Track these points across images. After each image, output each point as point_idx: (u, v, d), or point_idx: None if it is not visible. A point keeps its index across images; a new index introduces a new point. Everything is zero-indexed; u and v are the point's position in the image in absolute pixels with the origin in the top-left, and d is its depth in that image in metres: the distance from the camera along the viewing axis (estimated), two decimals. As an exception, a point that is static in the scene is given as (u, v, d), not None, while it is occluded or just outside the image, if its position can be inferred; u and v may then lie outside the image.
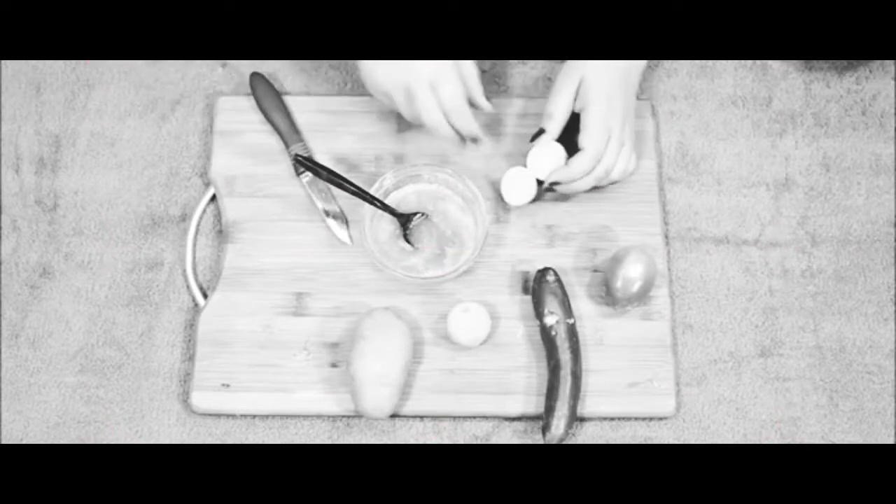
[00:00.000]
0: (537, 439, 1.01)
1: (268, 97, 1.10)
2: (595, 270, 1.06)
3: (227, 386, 1.01)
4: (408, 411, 1.01)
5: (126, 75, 1.14)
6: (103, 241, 1.08)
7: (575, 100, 1.00)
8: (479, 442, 1.01)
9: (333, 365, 1.02)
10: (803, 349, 1.05)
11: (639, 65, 1.01)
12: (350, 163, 1.09)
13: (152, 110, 1.13)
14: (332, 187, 1.07)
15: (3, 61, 1.14)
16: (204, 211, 1.09)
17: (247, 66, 1.14)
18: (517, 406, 1.01)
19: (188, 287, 1.06)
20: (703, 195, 1.10)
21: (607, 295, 1.03)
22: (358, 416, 1.01)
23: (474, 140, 1.00)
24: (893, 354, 1.04)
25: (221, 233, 1.08)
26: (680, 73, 1.15)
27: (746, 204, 1.10)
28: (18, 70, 1.14)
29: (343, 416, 1.02)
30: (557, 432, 0.97)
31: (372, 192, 1.04)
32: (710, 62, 1.15)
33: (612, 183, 1.05)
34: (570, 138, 1.01)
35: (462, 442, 1.01)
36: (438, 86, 0.97)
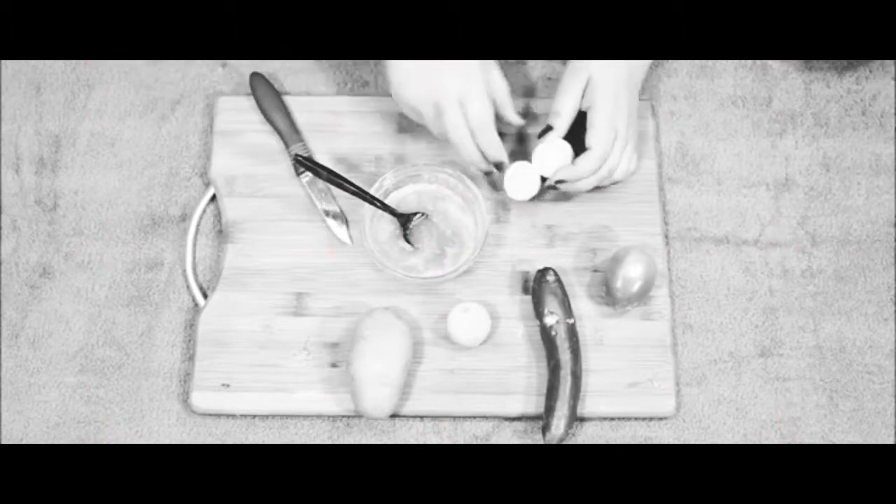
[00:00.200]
0: (537, 439, 1.01)
1: (268, 97, 1.10)
2: (595, 270, 1.06)
3: (227, 386, 1.01)
4: (408, 411, 1.01)
5: (126, 75, 1.14)
6: (103, 241, 1.08)
7: (581, 98, 1.00)
8: (479, 442, 1.01)
9: (333, 365, 1.02)
10: (803, 349, 1.05)
11: (644, 65, 1.02)
12: (350, 163, 1.09)
13: (152, 110, 1.13)
14: (332, 187, 1.07)
15: (3, 61, 1.14)
16: (204, 211, 1.09)
17: (247, 66, 1.14)
18: (517, 406, 1.01)
19: (188, 287, 1.06)
20: (703, 195, 1.10)
21: (607, 295, 1.03)
22: (358, 416, 1.01)
23: (498, 166, 1.01)
24: (893, 354, 1.04)
25: (221, 233, 1.08)
26: (680, 73, 1.15)
27: (746, 204, 1.10)
28: (18, 70, 1.14)
29: (343, 416, 1.02)
30: (557, 432, 0.97)
31: (372, 192, 1.04)
32: (710, 62, 1.15)
33: (614, 183, 1.05)
34: (573, 137, 1.01)
35: (462, 442, 1.01)
36: (466, 102, 0.97)
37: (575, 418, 0.99)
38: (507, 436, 1.01)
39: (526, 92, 1.13)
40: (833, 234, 1.09)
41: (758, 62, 1.15)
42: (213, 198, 1.09)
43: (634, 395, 1.01)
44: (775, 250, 1.08)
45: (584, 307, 1.04)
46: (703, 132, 1.13)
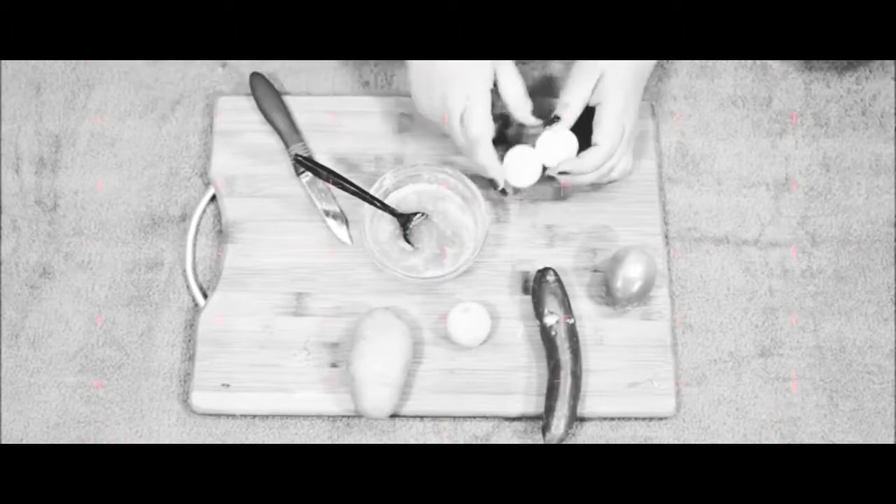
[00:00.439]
0: (537, 439, 1.01)
1: (268, 97, 1.10)
2: (595, 270, 1.06)
3: (227, 386, 1.01)
4: (408, 411, 1.01)
5: (126, 75, 1.14)
6: (103, 241, 1.08)
7: (591, 93, 0.99)
8: (479, 442, 1.01)
9: (333, 365, 1.02)
10: (803, 349, 1.05)
11: (650, 65, 1.01)
12: (350, 163, 1.09)
13: (152, 110, 1.13)
14: (332, 187, 1.07)
15: (3, 61, 1.14)
16: (204, 211, 1.09)
17: (247, 66, 1.14)
18: (517, 406, 1.01)
19: (188, 287, 1.06)
20: (703, 195, 1.10)
21: (607, 295, 1.03)
22: (358, 416, 1.01)
23: (492, 182, 1.01)
24: (893, 354, 1.04)
25: (221, 233, 1.08)
26: (680, 73, 1.15)
27: (746, 204, 1.10)
28: (18, 70, 1.14)
29: (343, 416, 1.02)
30: (557, 432, 0.97)
31: (372, 192, 1.04)
32: (710, 62, 1.15)
33: (611, 181, 1.05)
34: (574, 131, 1.00)
35: (462, 442, 1.01)
36: (466, 118, 0.97)
37: (575, 418, 0.99)
38: (507, 436, 1.01)
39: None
40: (833, 234, 1.09)
41: (758, 62, 1.15)
42: (213, 198, 1.09)
43: (634, 395, 1.01)
44: (775, 250, 1.08)
45: (584, 307, 1.04)
46: (703, 132, 1.13)
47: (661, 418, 1.02)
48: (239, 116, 1.11)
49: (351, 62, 1.15)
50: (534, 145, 1.01)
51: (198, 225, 1.08)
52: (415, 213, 1.05)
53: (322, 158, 1.09)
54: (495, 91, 0.99)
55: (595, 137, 0.98)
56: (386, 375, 0.97)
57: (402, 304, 1.04)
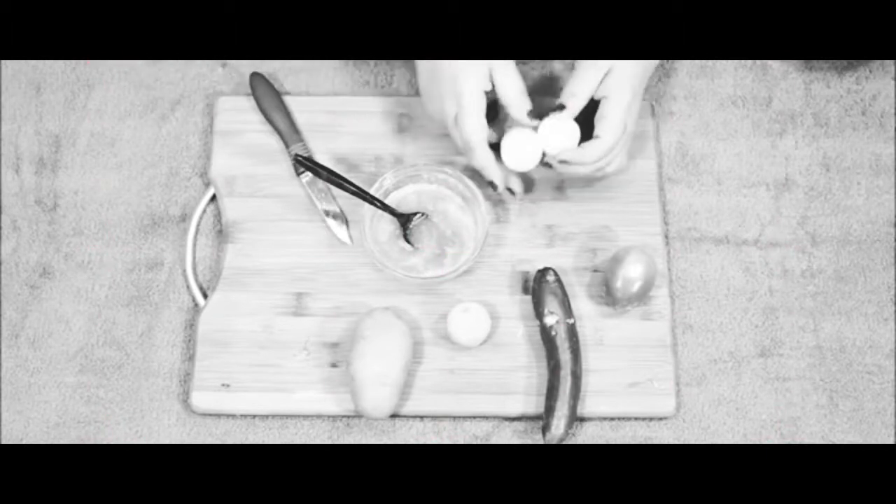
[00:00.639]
0: (537, 439, 1.01)
1: (268, 97, 1.10)
2: (595, 270, 1.06)
3: (227, 386, 1.01)
4: (408, 411, 1.01)
5: (126, 75, 1.14)
6: (103, 241, 1.08)
7: (597, 86, 0.99)
8: (479, 442, 1.01)
9: (333, 365, 1.02)
10: (803, 349, 1.05)
11: (654, 65, 1.01)
12: (350, 163, 1.09)
13: (152, 110, 1.13)
14: (332, 187, 1.07)
15: (3, 61, 1.14)
16: (204, 211, 1.09)
17: (247, 66, 1.14)
18: (517, 406, 1.01)
19: (188, 287, 1.06)
20: (703, 195, 1.10)
21: (607, 295, 1.03)
22: (358, 416, 1.01)
23: (491, 185, 1.01)
24: (893, 354, 1.04)
25: (221, 233, 1.08)
26: (680, 73, 1.15)
27: (746, 204, 1.10)
28: (18, 70, 1.14)
29: (343, 416, 1.02)
30: (557, 432, 0.97)
31: (372, 192, 1.04)
32: (710, 62, 1.15)
33: (603, 177, 1.04)
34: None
35: (462, 442, 1.01)
36: (459, 121, 0.97)
37: (575, 418, 0.99)
38: (507, 436, 1.01)
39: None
40: (833, 234, 1.09)
41: (758, 62, 1.15)
42: (213, 198, 1.09)
43: (634, 395, 1.01)
44: (775, 250, 1.08)
45: (584, 307, 1.04)
46: (703, 132, 1.13)
47: (661, 418, 1.02)
48: (239, 116, 1.11)
49: (351, 62, 1.15)
50: (535, 130, 0.99)
51: (198, 225, 1.08)
52: (415, 213, 1.05)
53: (322, 158, 1.09)
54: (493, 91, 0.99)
55: (598, 130, 0.98)
56: (386, 375, 0.97)
57: (402, 304, 1.04)
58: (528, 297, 1.04)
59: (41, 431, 1.01)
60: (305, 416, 1.02)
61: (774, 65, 1.15)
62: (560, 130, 0.99)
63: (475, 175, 1.07)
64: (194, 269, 1.07)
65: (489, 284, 1.05)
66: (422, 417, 1.02)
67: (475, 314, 1.00)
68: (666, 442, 1.01)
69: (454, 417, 1.02)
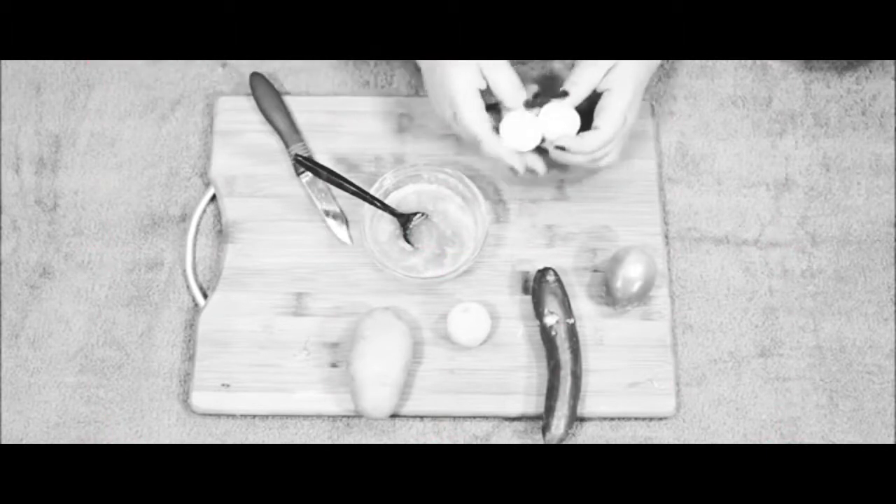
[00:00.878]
0: (537, 439, 1.01)
1: (268, 97, 1.10)
2: (595, 270, 1.06)
3: (227, 386, 1.01)
4: (408, 411, 1.01)
5: (126, 75, 1.14)
6: (103, 241, 1.08)
7: (601, 79, 0.99)
8: (479, 442, 1.01)
9: (333, 365, 1.02)
10: (803, 349, 1.05)
11: (657, 64, 1.01)
12: (350, 163, 1.09)
13: (152, 110, 1.13)
14: (332, 187, 1.07)
15: (3, 61, 1.14)
16: (204, 211, 1.09)
17: (247, 66, 1.14)
18: (517, 406, 1.01)
19: (188, 287, 1.06)
20: (703, 195, 1.10)
21: (607, 295, 1.03)
22: (358, 416, 1.01)
23: (512, 169, 1.00)
24: (893, 354, 1.04)
25: (221, 233, 1.08)
26: (680, 73, 1.15)
27: (746, 204, 1.10)
28: (18, 70, 1.14)
29: (343, 416, 1.02)
30: (557, 432, 0.97)
31: (372, 192, 1.04)
32: (710, 62, 1.15)
33: (596, 170, 1.03)
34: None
35: (462, 442, 1.01)
36: (458, 121, 0.97)
37: (575, 418, 0.99)
38: (507, 436, 1.01)
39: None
40: (833, 234, 1.09)
41: (758, 62, 1.15)
42: (213, 198, 1.09)
43: (634, 395, 1.01)
44: (775, 250, 1.08)
45: (584, 307, 1.04)
46: (703, 132, 1.13)
47: (661, 418, 1.02)
48: (239, 116, 1.11)
49: (351, 62, 1.15)
50: (537, 114, 0.99)
51: (198, 225, 1.08)
52: (415, 213, 1.05)
53: (322, 158, 1.09)
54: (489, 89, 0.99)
55: (598, 121, 0.98)
56: (386, 375, 0.97)
57: (402, 304, 1.04)
58: (528, 297, 1.04)
59: (41, 431, 1.01)
60: (305, 416, 1.02)
61: (774, 65, 1.15)
62: (560, 117, 0.99)
63: (475, 175, 1.07)
64: (194, 269, 1.07)
65: (489, 284, 1.05)
66: (422, 417, 1.02)
67: (475, 314, 1.00)
68: (666, 442, 1.01)
69: (454, 417, 1.02)
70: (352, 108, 1.11)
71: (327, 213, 1.07)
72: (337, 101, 1.12)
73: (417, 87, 1.14)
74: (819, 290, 1.07)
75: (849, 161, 1.12)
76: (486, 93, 0.98)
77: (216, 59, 1.15)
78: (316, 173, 1.04)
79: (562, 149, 0.98)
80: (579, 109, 0.98)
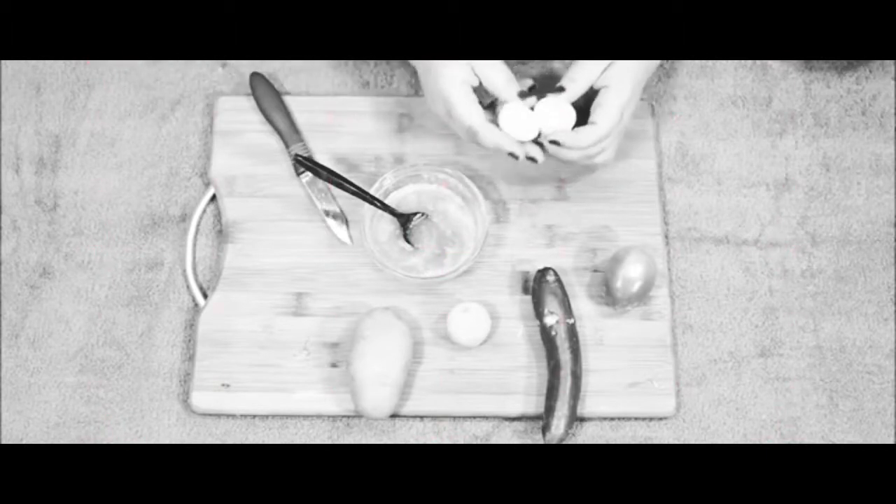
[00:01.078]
0: (537, 439, 1.01)
1: (268, 97, 1.10)
2: (595, 270, 1.06)
3: (227, 386, 1.01)
4: (408, 411, 1.01)
5: (126, 75, 1.14)
6: (103, 241, 1.08)
7: (599, 76, 0.99)
8: (479, 442, 1.01)
9: (333, 365, 1.02)
10: (803, 349, 1.05)
11: (656, 64, 1.01)
12: (350, 163, 1.09)
13: (152, 110, 1.13)
14: (332, 187, 1.07)
15: (3, 61, 1.14)
16: (204, 211, 1.09)
17: (247, 66, 1.14)
18: (517, 406, 1.01)
19: (188, 287, 1.06)
20: (703, 195, 1.10)
21: (607, 295, 1.03)
22: (358, 416, 1.01)
23: (512, 155, 0.99)
24: (893, 354, 1.04)
25: (221, 233, 1.08)
26: (680, 73, 1.15)
27: (746, 204, 1.10)
28: (18, 70, 1.14)
29: (343, 416, 1.02)
30: (557, 432, 0.97)
31: (372, 192, 1.04)
32: (710, 62, 1.15)
33: (589, 167, 1.02)
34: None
35: (462, 442, 1.01)
36: (453, 117, 0.97)
37: (575, 418, 0.99)
38: (507, 436, 1.01)
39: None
40: (833, 234, 1.09)
41: (758, 62, 1.15)
42: (213, 198, 1.09)
43: (634, 395, 1.01)
44: (775, 250, 1.08)
45: (584, 307, 1.04)
46: (703, 132, 1.13)
47: (661, 418, 1.02)
48: (239, 116, 1.11)
49: (351, 62, 1.15)
50: (532, 108, 0.98)
51: (198, 225, 1.08)
52: (415, 213, 1.05)
53: (322, 158, 1.09)
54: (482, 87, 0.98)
55: (594, 117, 0.97)
56: (386, 375, 0.97)
57: (402, 304, 1.04)
58: (528, 297, 1.04)
59: (41, 431, 1.01)
60: (305, 416, 1.02)
61: (774, 65, 1.15)
62: (556, 111, 0.98)
63: (475, 175, 1.07)
64: (194, 269, 1.07)
65: (489, 284, 1.05)
66: (422, 417, 1.02)
67: (475, 314, 1.00)
68: (666, 442, 1.01)
69: (454, 417, 1.02)
70: (352, 108, 1.11)
71: (327, 213, 1.07)
72: (337, 101, 1.12)
73: (417, 88, 1.14)
74: (819, 290, 1.07)
75: (849, 161, 1.12)
76: (481, 91, 0.98)
77: (216, 59, 1.15)
78: (316, 173, 1.04)
79: (556, 143, 0.98)
80: (576, 106, 0.98)
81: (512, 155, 0.98)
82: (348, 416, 1.01)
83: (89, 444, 1.01)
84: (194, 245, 1.08)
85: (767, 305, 1.06)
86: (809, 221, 1.09)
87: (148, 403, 1.02)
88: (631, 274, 1.00)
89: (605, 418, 1.02)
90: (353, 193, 1.03)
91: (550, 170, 1.08)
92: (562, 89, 0.98)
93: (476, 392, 1.01)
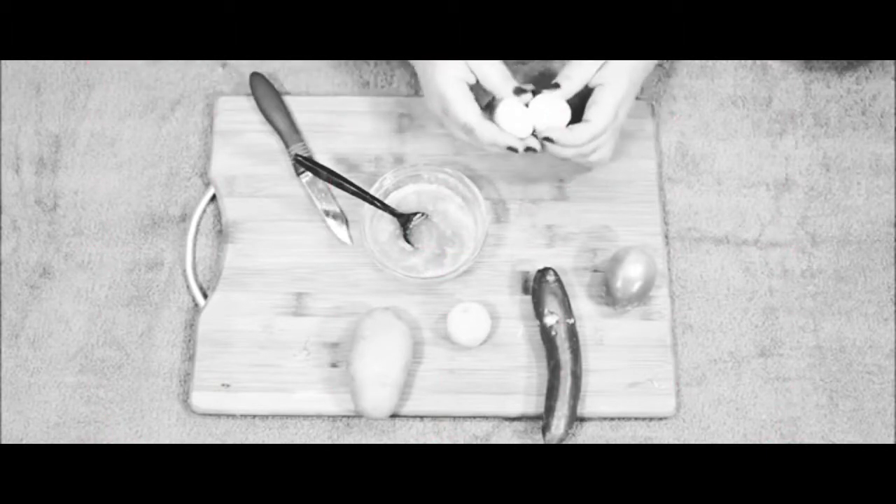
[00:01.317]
0: (537, 439, 1.01)
1: (268, 97, 1.10)
2: (595, 270, 1.06)
3: (227, 386, 1.01)
4: (408, 411, 1.01)
5: (126, 75, 1.14)
6: (103, 241, 1.08)
7: (594, 74, 0.98)
8: (479, 442, 1.01)
9: (333, 365, 1.02)
10: (803, 349, 1.05)
11: (653, 64, 1.01)
12: (350, 163, 1.09)
13: (152, 110, 1.13)
14: (332, 187, 1.07)
15: (3, 61, 1.14)
16: (204, 211, 1.09)
17: (247, 66, 1.14)
18: (517, 406, 1.01)
19: (188, 287, 1.06)
20: (703, 195, 1.10)
21: (607, 295, 1.03)
22: (358, 416, 1.01)
23: (511, 149, 0.98)
24: (893, 354, 1.04)
25: (221, 233, 1.08)
26: (680, 73, 1.15)
27: (746, 204, 1.10)
28: (18, 70, 1.14)
29: (343, 416, 1.02)
30: (557, 432, 0.97)
31: (372, 192, 1.04)
32: (710, 62, 1.15)
33: (584, 165, 1.02)
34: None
35: (462, 442, 1.01)
36: (450, 116, 0.97)
37: (575, 418, 0.99)
38: (507, 436, 1.01)
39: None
40: (833, 234, 1.09)
41: (758, 62, 1.15)
42: (213, 198, 1.09)
43: (634, 395, 1.01)
44: (775, 250, 1.08)
45: (584, 307, 1.04)
46: (703, 132, 1.13)
47: (661, 418, 1.02)
48: (239, 116, 1.11)
49: (351, 62, 1.15)
50: (527, 105, 0.98)
51: (198, 225, 1.08)
52: (415, 213, 1.05)
53: (322, 158, 1.09)
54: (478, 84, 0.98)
55: (588, 115, 0.97)
56: (386, 375, 0.97)
57: (402, 304, 1.04)
58: (528, 297, 1.04)
59: (41, 431, 1.01)
60: (305, 416, 1.02)
61: (774, 65, 1.15)
62: (550, 108, 0.97)
63: (475, 176, 1.07)
64: (194, 269, 1.07)
65: (489, 284, 1.05)
66: (422, 417, 1.02)
67: (475, 314, 1.00)
68: (666, 442, 1.01)
69: (454, 417, 1.02)
70: (352, 108, 1.11)
71: (327, 213, 1.07)
72: (337, 101, 1.12)
73: (417, 87, 1.14)
74: (819, 290, 1.07)
75: (849, 161, 1.12)
76: (479, 90, 0.98)
77: (216, 59, 1.15)
78: (316, 173, 1.04)
79: (550, 140, 0.97)
80: (572, 105, 0.98)
81: (511, 149, 0.98)
82: (348, 416, 1.01)
83: (89, 444, 1.01)
84: (194, 245, 1.08)
85: (767, 305, 1.06)
86: (809, 221, 1.09)
87: (148, 403, 1.02)
88: (631, 274, 1.00)
89: (605, 418, 1.02)
90: (353, 193, 1.03)
91: (550, 169, 1.08)
92: (557, 86, 0.97)
93: (476, 392, 1.01)
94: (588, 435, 1.02)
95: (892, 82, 1.15)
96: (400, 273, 1.02)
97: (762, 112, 1.13)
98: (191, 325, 1.05)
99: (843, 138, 1.12)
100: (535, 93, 0.98)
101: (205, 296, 1.06)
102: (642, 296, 1.02)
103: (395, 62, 1.15)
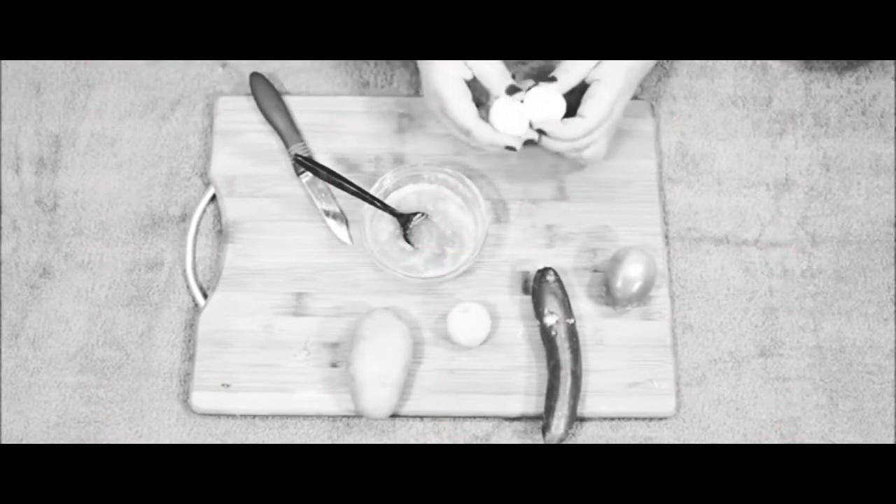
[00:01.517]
0: (537, 439, 1.01)
1: (268, 97, 1.10)
2: (595, 270, 1.06)
3: (227, 386, 1.01)
4: (408, 411, 1.01)
5: (126, 75, 1.14)
6: (103, 241, 1.08)
7: (591, 70, 0.98)
8: (479, 442, 1.01)
9: (333, 365, 1.02)
10: (803, 349, 1.05)
11: (651, 64, 1.01)
12: (350, 163, 1.09)
13: (152, 110, 1.13)
14: (332, 187, 1.07)
15: (3, 61, 1.14)
16: (204, 211, 1.09)
17: (247, 66, 1.14)
18: (517, 406, 1.01)
19: (188, 287, 1.06)
20: (703, 195, 1.10)
21: (607, 295, 1.03)
22: (358, 416, 1.01)
23: (510, 148, 0.98)
24: (893, 354, 1.04)
25: (221, 233, 1.08)
26: (680, 73, 1.15)
27: (746, 204, 1.10)
28: (18, 70, 1.14)
29: (343, 416, 1.02)
30: (557, 432, 0.97)
31: (372, 192, 1.04)
32: (710, 62, 1.15)
33: (579, 161, 1.02)
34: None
35: (462, 442, 1.01)
36: (449, 115, 0.97)
37: (575, 418, 0.99)
38: (507, 436, 1.01)
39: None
40: (833, 234, 1.09)
41: (758, 62, 1.15)
42: (213, 198, 1.09)
43: (634, 395, 1.01)
44: (775, 250, 1.08)
45: (584, 307, 1.04)
46: (703, 132, 1.13)
47: (661, 418, 1.02)
48: (239, 116, 1.11)
49: (351, 62, 1.15)
50: (522, 101, 0.97)
51: (198, 225, 1.08)
52: (415, 213, 1.05)
53: (322, 158, 1.09)
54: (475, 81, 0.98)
55: (583, 109, 0.96)
56: (386, 375, 0.97)
57: (402, 304, 1.04)
58: (528, 297, 1.04)
59: (41, 431, 1.01)
60: (305, 416, 1.02)
61: (774, 65, 1.15)
62: (546, 101, 0.97)
63: (475, 176, 1.07)
64: (194, 269, 1.07)
65: (489, 284, 1.05)
66: (422, 417, 1.02)
67: (475, 314, 1.00)
68: (666, 442, 1.01)
69: (454, 417, 1.02)
70: (352, 108, 1.11)
71: (327, 213, 1.07)
72: (337, 101, 1.12)
73: (417, 87, 1.14)
74: (819, 290, 1.07)
75: (849, 161, 1.12)
76: (477, 87, 0.98)
77: (216, 59, 1.15)
78: (316, 173, 1.04)
79: (543, 133, 0.97)
80: (569, 102, 0.98)
81: (510, 147, 0.98)
82: (348, 416, 1.01)
83: (89, 444, 1.01)
84: (194, 245, 1.08)
85: (767, 305, 1.06)
86: (809, 221, 1.09)
87: (148, 403, 1.02)
88: (631, 274, 1.00)
89: (605, 418, 1.02)
90: (353, 193, 1.03)
91: (550, 169, 1.08)
92: (554, 79, 0.97)
93: (476, 392, 1.01)
94: (588, 435, 1.02)
95: (892, 82, 1.15)
96: (400, 273, 1.02)
97: (762, 112, 1.13)
98: (191, 325, 1.05)
99: (843, 138, 1.12)
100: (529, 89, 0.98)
101: (205, 296, 1.06)
102: (642, 296, 1.02)
103: (395, 62, 1.15)
